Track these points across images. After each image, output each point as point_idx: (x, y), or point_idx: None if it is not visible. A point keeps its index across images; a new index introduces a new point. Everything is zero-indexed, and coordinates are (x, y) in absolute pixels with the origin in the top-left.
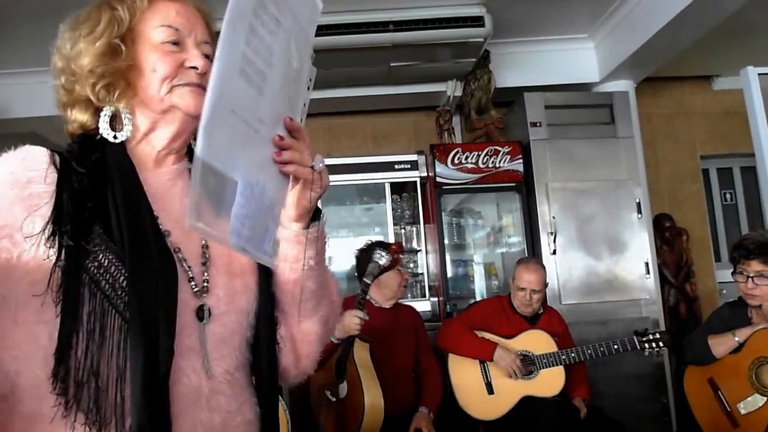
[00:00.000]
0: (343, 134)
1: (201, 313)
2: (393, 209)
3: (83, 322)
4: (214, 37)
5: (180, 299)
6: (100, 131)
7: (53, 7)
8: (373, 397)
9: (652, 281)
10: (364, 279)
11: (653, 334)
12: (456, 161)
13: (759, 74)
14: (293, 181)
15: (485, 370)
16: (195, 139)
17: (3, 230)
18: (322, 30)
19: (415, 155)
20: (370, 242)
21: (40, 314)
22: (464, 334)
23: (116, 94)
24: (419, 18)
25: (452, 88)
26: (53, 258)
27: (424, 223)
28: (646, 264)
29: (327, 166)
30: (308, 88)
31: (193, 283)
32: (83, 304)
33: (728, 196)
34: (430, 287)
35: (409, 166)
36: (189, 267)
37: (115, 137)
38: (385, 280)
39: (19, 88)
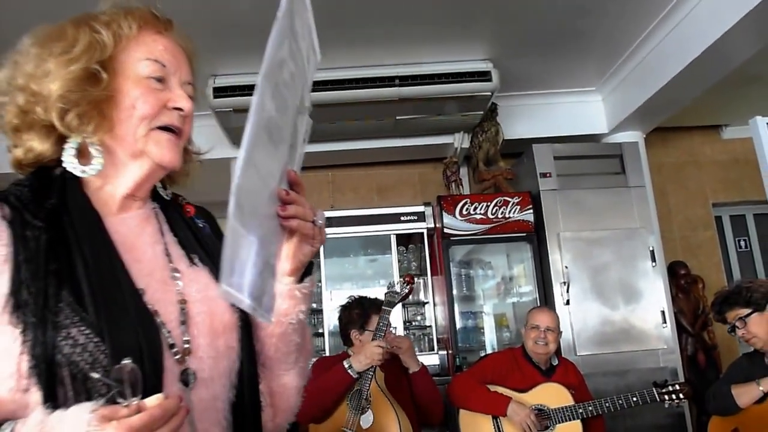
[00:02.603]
0: (347, 187)
1: (186, 378)
2: (399, 260)
3: None
4: (197, 78)
5: (163, 368)
6: (65, 164)
7: None
8: (405, 417)
9: (669, 330)
10: (384, 307)
11: (673, 385)
12: (464, 212)
13: None
14: (288, 234)
15: (498, 425)
16: (161, 184)
17: None
18: (328, 85)
19: (422, 206)
20: (353, 297)
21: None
22: (475, 388)
23: (92, 125)
24: (425, 73)
25: (459, 140)
26: (19, 340)
27: (432, 275)
28: (663, 313)
29: (331, 218)
30: (304, 140)
31: (175, 349)
32: (62, 390)
33: (743, 242)
34: (438, 340)
35: (415, 217)
36: (169, 332)
37: (83, 171)
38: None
39: None
